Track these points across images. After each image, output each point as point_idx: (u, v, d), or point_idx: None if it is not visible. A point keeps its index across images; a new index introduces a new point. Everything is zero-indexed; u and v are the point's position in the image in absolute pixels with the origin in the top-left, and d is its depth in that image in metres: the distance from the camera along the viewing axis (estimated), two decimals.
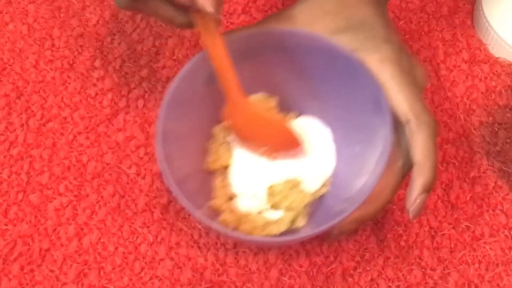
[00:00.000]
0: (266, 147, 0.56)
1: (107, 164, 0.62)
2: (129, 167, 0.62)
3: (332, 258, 0.57)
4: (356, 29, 0.53)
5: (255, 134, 0.56)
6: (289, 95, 0.58)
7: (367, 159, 0.52)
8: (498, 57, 0.68)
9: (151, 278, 0.56)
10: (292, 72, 0.56)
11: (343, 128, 0.57)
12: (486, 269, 0.57)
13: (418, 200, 0.49)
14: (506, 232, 0.58)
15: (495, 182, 0.61)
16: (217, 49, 0.50)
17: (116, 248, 0.58)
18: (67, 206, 0.60)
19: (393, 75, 0.50)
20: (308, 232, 0.53)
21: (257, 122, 0.55)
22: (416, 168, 0.49)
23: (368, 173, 0.51)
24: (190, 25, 0.50)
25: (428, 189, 0.50)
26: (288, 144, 0.57)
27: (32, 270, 0.57)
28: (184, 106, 0.54)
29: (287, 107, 0.59)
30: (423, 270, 0.57)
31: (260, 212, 0.56)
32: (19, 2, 0.72)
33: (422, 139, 0.49)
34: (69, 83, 0.67)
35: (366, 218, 0.52)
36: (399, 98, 0.50)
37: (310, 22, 0.53)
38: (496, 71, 0.67)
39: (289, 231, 0.54)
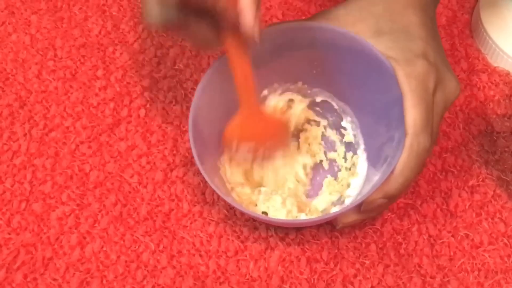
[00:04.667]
0: (263, 148, 0.58)
1: (109, 173, 0.62)
2: (131, 176, 0.62)
3: (332, 265, 0.58)
4: (395, 37, 0.54)
5: (259, 137, 0.58)
6: (322, 88, 0.61)
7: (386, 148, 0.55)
8: (496, 67, 0.69)
9: (153, 287, 0.57)
10: (326, 67, 0.58)
11: (367, 119, 0.60)
12: (485, 277, 0.57)
13: (375, 202, 0.53)
14: (505, 240, 0.59)
15: (494, 191, 0.61)
16: (243, 66, 0.51)
17: (119, 257, 0.58)
18: (69, 215, 0.60)
19: (413, 90, 0.52)
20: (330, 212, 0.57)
21: (264, 126, 0.57)
22: (390, 177, 0.52)
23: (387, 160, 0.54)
24: (218, 45, 0.50)
25: (389, 198, 0.53)
26: (282, 142, 0.59)
27: (35, 279, 0.57)
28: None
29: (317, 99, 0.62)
30: (422, 278, 0.57)
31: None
32: (22, 13, 0.73)
33: (406, 155, 0.52)
34: (72, 93, 0.67)
35: (389, 195, 0.53)
36: (410, 111, 0.52)
37: (355, 22, 0.55)
38: (495, 80, 0.68)
39: None
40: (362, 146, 0.60)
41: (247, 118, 0.55)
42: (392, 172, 0.52)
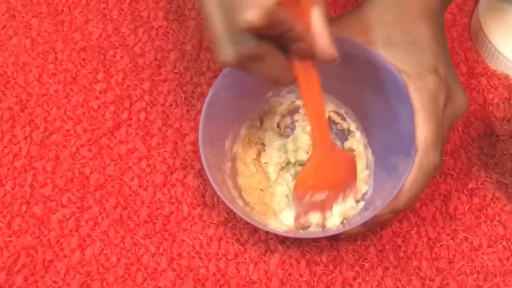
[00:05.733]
0: (331, 192, 0.56)
1: (110, 176, 0.62)
2: (131, 179, 0.62)
3: (332, 267, 0.58)
4: (406, 49, 0.54)
5: (333, 182, 0.56)
6: (328, 93, 0.60)
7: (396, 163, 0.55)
8: (495, 70, 0.69)
9: None
10: (334, 73, 0.57)
11: (373, 127, 0.59)
12: (485, 280, 0.57)
13: (382, 216, 0.54)
14: (504, 243, 0.59)
15: (493, 194, 0.61)
16: (315, 96, 0.49)
17: (119, 259, 0.58)
18: (70, 217, 0.60)
19: (424, 106, 0.52)
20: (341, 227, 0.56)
21: (337, 168, 0.55)
22: (399, 192, 0.52)
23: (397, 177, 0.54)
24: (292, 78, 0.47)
25: (395, 212, 0.54)
26: (350, 182, 0.57)
27: (35, 281, 0.57)
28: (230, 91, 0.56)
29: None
30: (422, 280, 0.57)
31: None
32: (22, 16, 0.73)
33: (416, 172, 0.52)
34: (72, 96, 0.67)
35: (396, 210, 0.54)
36: (421, 128, 0.52)
37: (365, 31, 0.55)
38: (494, 83, 0.68)
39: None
40: (369, 154, 0.61)
41: (321, 162, 0.54)
42: (401, 188, 0.52)
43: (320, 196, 0.55)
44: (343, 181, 0.56)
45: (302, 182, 0.55)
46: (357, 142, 0.61)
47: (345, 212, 0.56)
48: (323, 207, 0.56)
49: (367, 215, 0.53)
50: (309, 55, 0.45)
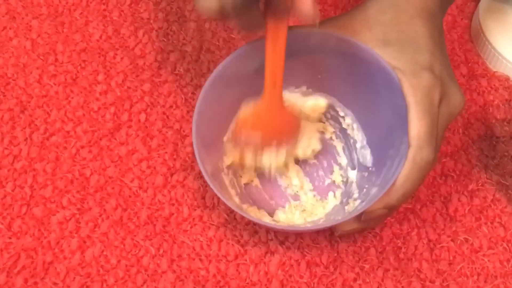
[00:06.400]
0: (274, 140, 0.58)
1: (110, 177, 0.62)
2: (132, 181, 0.62)
3: (332, 268, 0.58)
4: (402, 48, 0.54)
5: (272, 129, 0.57)
6: (328, 93, 0.61)
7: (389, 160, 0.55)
8: (495, 72, 0.69)
9: None
10: (332, 73, 0.59)
11: (371, 127, 0.60)
12: (485, 281, 0.57)
13: (376, 212, 0.53)
14: (505, 245, 0.59)
15: (494, 195, 0.61)
16: (278, 53, 0.51)
17: (119, 261, 0.58)
18: (70, 219, 0.60)
19: (418, 102, 0.52)
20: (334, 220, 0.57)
21: (280, 120, 0.57)
22: (391, 188, 0.52)
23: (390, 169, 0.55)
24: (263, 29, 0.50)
25: (389, 208, 0.53)
26: (292, 136, 0.59)
27: (35, 283, 0.57)
28: (224, 88, 0.57)
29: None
30: (422, 282, 0.57)
31: None
32: (23, 18, 0.73)
33: (409, 168, 0.52)
34: (72, 98, 0.67)
35: (390, 206, 0.53)
36: (414, 124, 0.52)
37: (362, 31, 0.55)
38: (494, 85, 0.68)
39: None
40: (368, 154, 0.61)
41: (266, 108, 0.55)
42: (393, 183, 0.52)
43: (254, 139, 0.57)
44: (280, 134, 0.58)
45: (244, 122, 0.56)
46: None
47: (276, 163, 0.59)
48: (255, 150, 0.58)
49: (360, 209, 0.53)
50: (286, 13, 0.47)
